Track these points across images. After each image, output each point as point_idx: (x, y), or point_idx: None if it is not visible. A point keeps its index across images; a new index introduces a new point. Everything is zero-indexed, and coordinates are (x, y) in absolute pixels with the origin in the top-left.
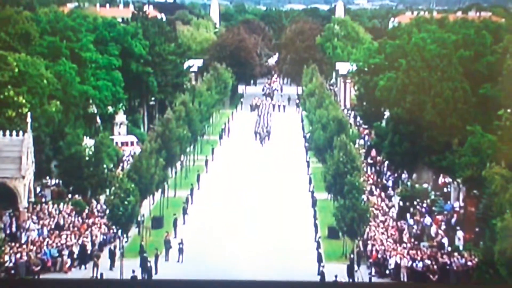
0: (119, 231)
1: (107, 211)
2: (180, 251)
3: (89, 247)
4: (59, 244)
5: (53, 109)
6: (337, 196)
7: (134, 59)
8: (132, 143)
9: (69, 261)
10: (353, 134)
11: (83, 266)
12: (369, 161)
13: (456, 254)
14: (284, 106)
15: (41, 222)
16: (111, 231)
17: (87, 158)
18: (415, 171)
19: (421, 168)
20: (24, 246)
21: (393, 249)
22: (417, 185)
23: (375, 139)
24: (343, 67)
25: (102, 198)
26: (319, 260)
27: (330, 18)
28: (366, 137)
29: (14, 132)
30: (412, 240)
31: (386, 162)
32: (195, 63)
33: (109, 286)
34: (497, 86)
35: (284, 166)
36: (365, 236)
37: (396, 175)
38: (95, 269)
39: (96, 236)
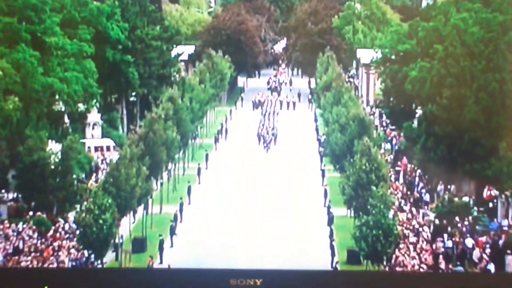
0: (92, 256)
1: (77, 232)
2: None
3: None
4: None
5: (10, 106)
6: (358, 212)
7: (110, 45)
8: (108, 148)
9: None
10: (378, 137)
11: None
12: (398, 169)
13: None
14: (293, 103)
15: None
16: (82, 256)
17: (52, 167)
18: (453, 181)
19: (461, 178)
20: None
21: None
22: (456, 199)
23: (404, 142)
24: (365, 55)
25: (71, 215)
26: None
27: None
28: (394, 140)
29: None
30: (450, 266)
31: (418, 171)
32: (185, 50)
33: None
34: None
35: (294, 176)
36: (392, 261)
37: (430, 186)
38: None
39: (64, 263)
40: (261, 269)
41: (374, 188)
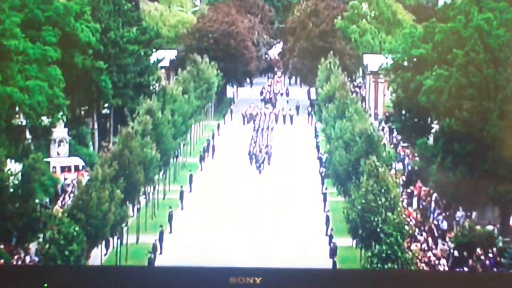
0: None
1: None
2: None
3: None
4: None
5: None
6: (365, 242)
7: (79, 49)
8: (76, 168)
9: None
10: (388, 156)
11: None
12: (411, 192)
13: None
14: (291, 116)
15: None
16: None
17: (11, 190)
18: (475, 207)
19: (483, 203)
20: None
21: None
22: (478, 227)
23: (418, 162)
24: (373, 61)
25: (33, 246)
26: None
27: None
28: (406, 160)
29: None
30: None
31: (435, 195)
32: (166, 55)
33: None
34: None
35: (291, 201)
36: None
37: (448, 213)
38: None
39: None
40: (261, 268)
41: (390, 214)
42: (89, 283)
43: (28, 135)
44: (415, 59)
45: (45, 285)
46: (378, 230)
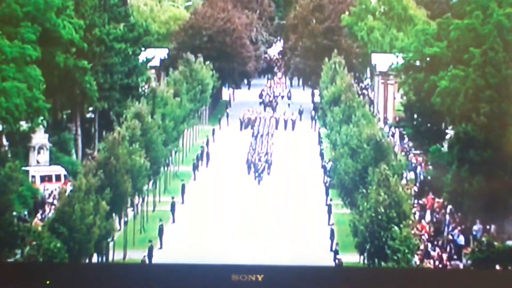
0: None
1: None
2: None
3: None
4: None
5: None
6: (373, 259)
7: (61, 47)
8: (58, 178)
9: None
10: (399, 164)
11: None
12: (423, 203)
13: None
14: (293, 121)
15: None
16: None
17: None
18: (494, 220)
19: (503, 216)
20: None
21: None
22: (497, 243)
23: (432, 171)
24: (383, 61)
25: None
26: None
27: None
28: (419, 168)
29: None
30: None
31: (449, 207)
32: (156, 55)
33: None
34: None
35: (292, 214)
36: None
37: (464, 226)
38: None
39: None
40: (263, 265)
41: (396, 228)
42: (91, 280)
43: (4, 142)
44: (428, 59)
45: (48, 282)
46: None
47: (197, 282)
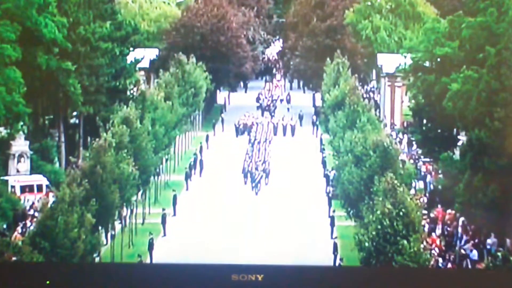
0: None
1: None
2: None
3: None
4: None
5: None
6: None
7: (43, 47)
8: (39, 188)
9: None
10: (407, 172)
11: None
12: (433, 215)
13: None
14: (292, 127)
15: None
16: None
17: None
18: (509, 233)
19: None
20: None
21: None
22: None
23: (442, 180)
24: (389, 62)
25: None
26: None
27: None
28: (428, 177)
29: None
30: None
31: (462, 219)
32: (145, 55)
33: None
34: None
35: (292, 227)
36: None
37: (477, 240)
38: None
39: None
40: (263, 265)
41: (405, 242)
42: (92, 280)
43: None
44: (438, 59)
45: (48, 282)
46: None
47: (196, 282)
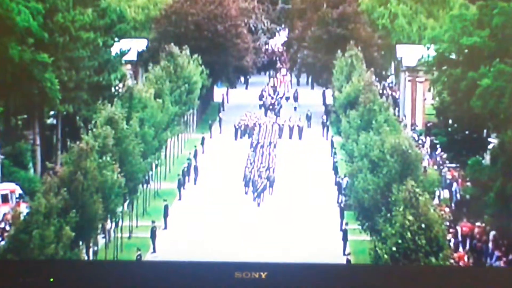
0: None
1: None
2: None
3: None
4: None
5: None
6: None
7: (15, 37)
8: (11, 198)
9: None
10: (430, 180)
11: None
12: (460, 228)
13: None
14: (300, 128)
15: None
16: None
17: None
18: None
19: None
20: None
21: None
22: None
23: (471, 188)
24: (410, 54)
25: None
26: None
27: None
28: (454, 185)
29: None
30: None
31: (492, 233)
32: (132, 46)
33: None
34: None
35: (300, 242)
36: None
37: (510, 256)
38: None
39: None
40: (266, 262)
41: (434, 260)
42: (95, 277)
43: None
44: (466, 51)
45: (51, 279)
46: None
47: (200, 280)
